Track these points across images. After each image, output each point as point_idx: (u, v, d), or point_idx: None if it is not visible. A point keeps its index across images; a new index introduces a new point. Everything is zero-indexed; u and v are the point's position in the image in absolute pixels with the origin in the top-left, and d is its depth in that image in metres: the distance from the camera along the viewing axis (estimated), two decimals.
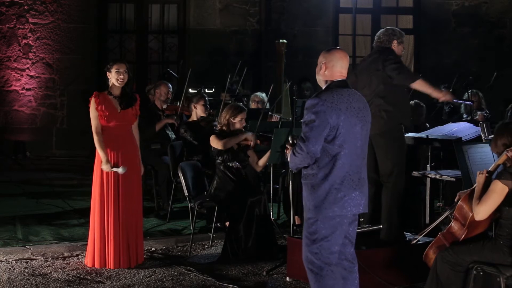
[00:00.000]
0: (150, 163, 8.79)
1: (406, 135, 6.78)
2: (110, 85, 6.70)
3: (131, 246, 6.62)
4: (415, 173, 7.06)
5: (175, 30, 13.21)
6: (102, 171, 6.58)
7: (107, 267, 6.58)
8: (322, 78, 4.75)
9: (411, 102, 8.57)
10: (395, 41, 6.58)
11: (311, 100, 4.61)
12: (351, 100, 4.62)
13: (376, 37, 6.69)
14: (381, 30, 6.73)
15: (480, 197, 5.08)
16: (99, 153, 6.58)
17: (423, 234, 5.90)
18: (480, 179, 5.18)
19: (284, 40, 10.05)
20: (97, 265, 6.62)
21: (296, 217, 7.69)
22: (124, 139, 6.68)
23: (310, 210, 4.64)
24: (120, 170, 6.52)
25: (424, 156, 7.73)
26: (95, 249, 6.63)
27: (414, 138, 7.23)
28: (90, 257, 6.68)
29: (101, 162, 6.56)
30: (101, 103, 6.61)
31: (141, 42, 13.18)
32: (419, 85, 6.54)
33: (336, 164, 4.57)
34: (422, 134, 7.37)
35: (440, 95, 6.65)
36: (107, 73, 6.69)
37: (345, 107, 4.58)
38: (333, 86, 4.67)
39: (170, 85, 9.72)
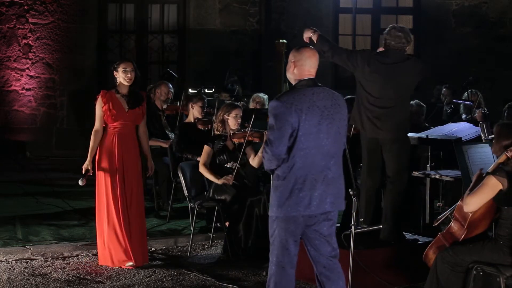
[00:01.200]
0: None
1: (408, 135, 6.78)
2: (117, 84, 6.69)
3: (131, 246, 6.61)
4: (415, 173, 7.05)
5: (175, 30, 13.21)
6: (101, 170, 6.60)
7: (100, 264, 6.63)
8: (292, 76, 4.79)
9: (412, 102, 8.57)
10: (408, 47, 6.50)
11: (271, 103, 4.66)
12: (314, 99, 4.63)
13: (390, 39, 6.33)
14: (395, 32, 6.33)
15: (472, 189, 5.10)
16: (90, 150, 6.61)
17: (438, 222, 5.76)
18: (476, 173, 5.24)
19: (284, 40, 10.04)
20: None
21: None
22: (127, 138, 6.67)
23: (273, 209, 4.67)
24: (80, 181, 6.59)
25: (424, 156, 7.73)
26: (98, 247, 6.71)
27: (414, 138, 7.22)
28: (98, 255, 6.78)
29: (103, 161, 6.58)
30: (108, 102, 6.60)
31: (141, 42, 13.19)
32: None
33: (296, 164, 4.59)
34: (422, 134, 7.36)
35: None
36: (114, 72, 6.67)
37: (307, 106, 4.59)
38: (299, 85, 4.71)
39: (170, 85, 9.71)
